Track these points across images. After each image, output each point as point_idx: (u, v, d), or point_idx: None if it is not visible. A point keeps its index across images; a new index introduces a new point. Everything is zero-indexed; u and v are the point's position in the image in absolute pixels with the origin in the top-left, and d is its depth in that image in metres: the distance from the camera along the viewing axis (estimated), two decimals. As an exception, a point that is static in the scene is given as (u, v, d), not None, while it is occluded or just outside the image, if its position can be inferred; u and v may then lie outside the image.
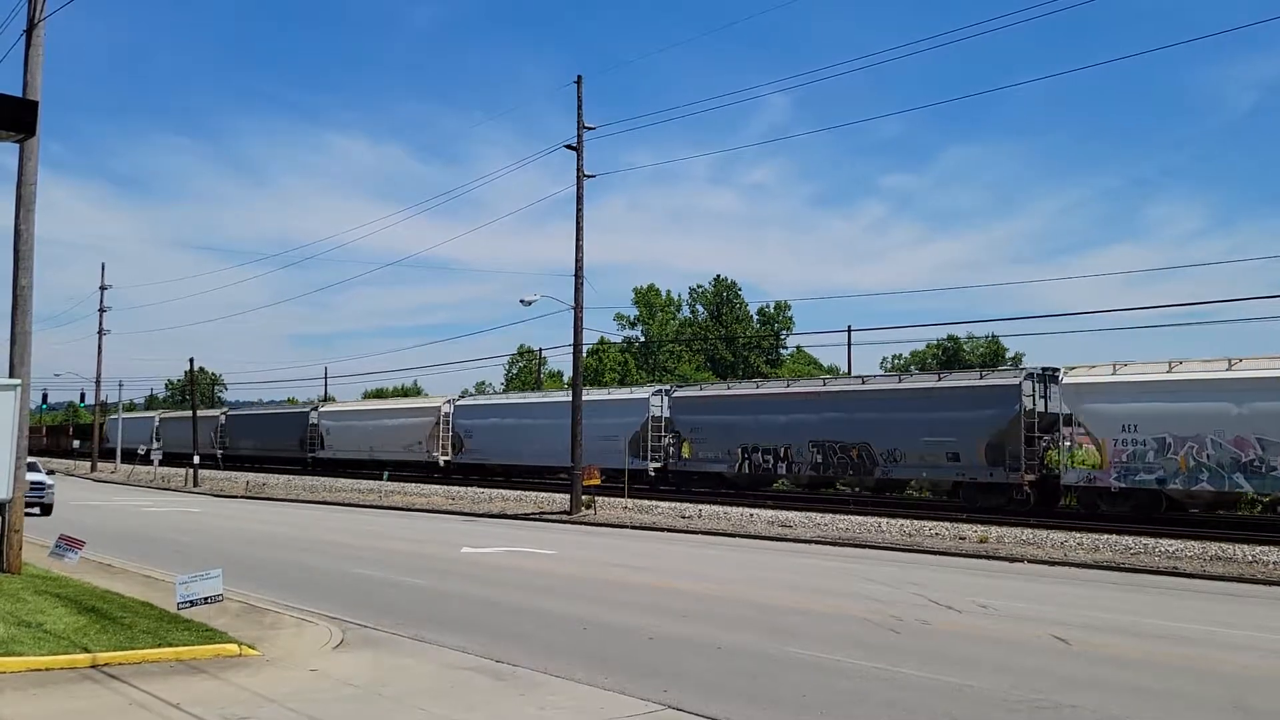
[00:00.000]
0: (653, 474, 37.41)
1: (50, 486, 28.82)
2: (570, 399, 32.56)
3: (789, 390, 34.89)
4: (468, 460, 47.02)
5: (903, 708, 8.47)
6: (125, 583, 14.94)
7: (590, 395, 38.16)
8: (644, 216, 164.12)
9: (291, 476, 51.93)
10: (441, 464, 48.10)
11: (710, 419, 35.68)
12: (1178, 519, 25.98)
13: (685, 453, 36.70)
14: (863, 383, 32.99)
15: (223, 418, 68.15)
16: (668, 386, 40.92)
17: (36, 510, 25.24)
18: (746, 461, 34.35)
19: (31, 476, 22.07)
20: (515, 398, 50.25)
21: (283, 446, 60.27)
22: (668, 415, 37.49)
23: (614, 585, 16.06)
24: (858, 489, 34.09)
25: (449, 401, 49.61)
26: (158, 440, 63.86)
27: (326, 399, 73.96)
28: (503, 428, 44.98)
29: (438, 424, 48.34)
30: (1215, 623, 13.11)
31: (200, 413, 63.76)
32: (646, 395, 39.25)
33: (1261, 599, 15.64)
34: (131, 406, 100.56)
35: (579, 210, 31.40)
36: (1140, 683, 9.44)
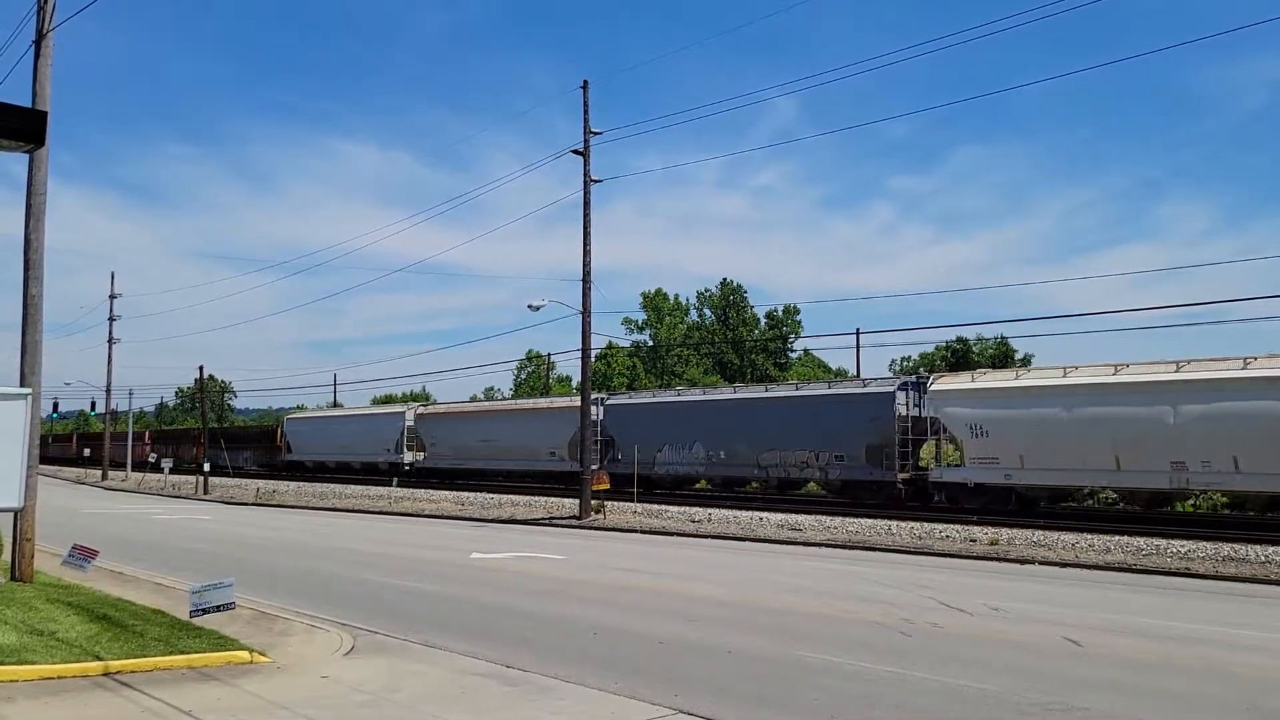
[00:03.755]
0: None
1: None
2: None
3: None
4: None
5: (914, 711, 8.44)
6: (137, 590, 14.98)
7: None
8: (652, 221, 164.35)
9: (300, 484, 51.83)
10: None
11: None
12: (1182, 519, 26.75)
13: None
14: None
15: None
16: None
17: None
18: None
19: None
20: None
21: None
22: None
23: (624, 590, 16.04)
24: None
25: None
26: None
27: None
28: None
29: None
30: (1228, 624, 13.04)
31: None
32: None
33: (1275, 600, 15.55)
34: (142, 415, 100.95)
35: (586, 215, 31.45)
36: (1153, 684, 9.39)
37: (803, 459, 32.89)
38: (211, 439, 68.78)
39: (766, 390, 37.80)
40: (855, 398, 32.18)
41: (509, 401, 51.58)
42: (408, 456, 50.78)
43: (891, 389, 31.01)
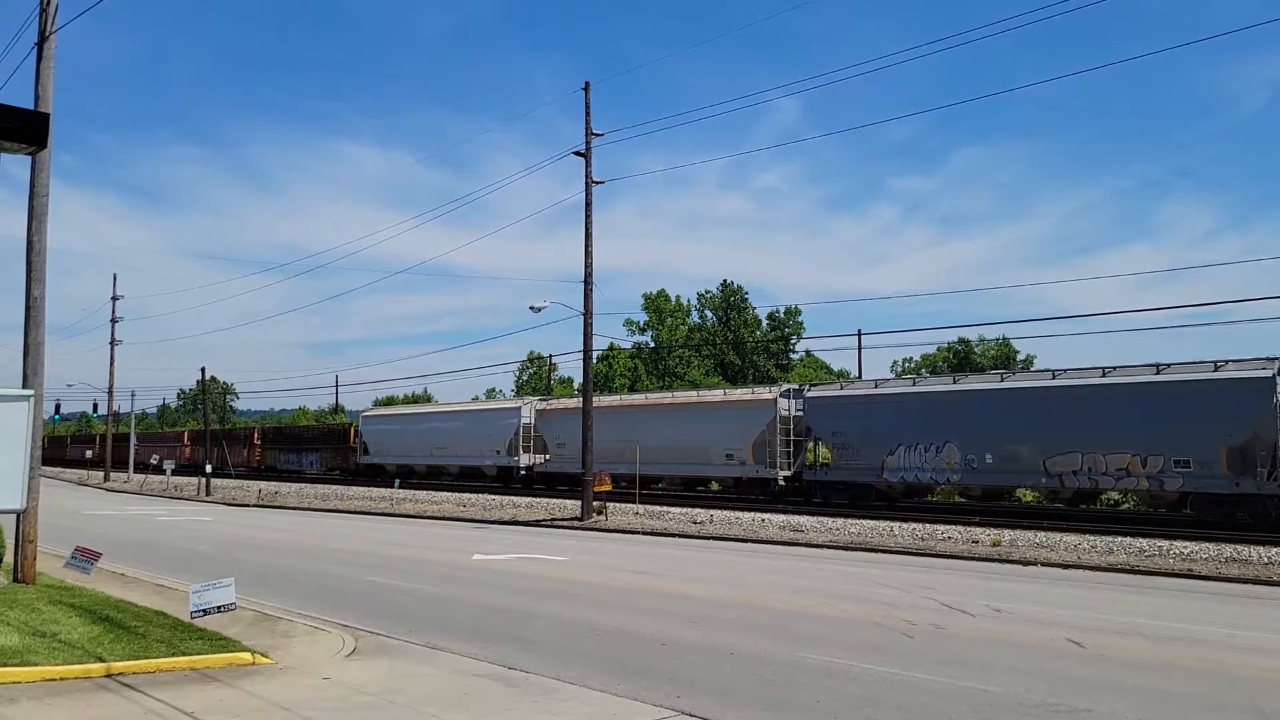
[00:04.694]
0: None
1: None
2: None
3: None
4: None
5: (916, 712, 8.43)
6: (139, 592, 14.99)
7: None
8: (654, 222, 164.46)
9: (302, 485, 51.66)
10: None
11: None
12: (1183, 520, 26.32)
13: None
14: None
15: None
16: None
17: None
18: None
19: None
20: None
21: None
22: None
23: (625, 591, 16.04)
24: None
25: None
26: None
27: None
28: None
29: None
30: (1231, 625, 13.02)
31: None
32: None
33: (1277, 601, 15.52)
34: (144, 417, 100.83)
35: (588, 217, 31.45)
36: (1155, 685, 9.38)
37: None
38: (266, 439, 64.82)
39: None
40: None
41: (671, 394, 41.56)
42: (524, 459, 43.59)
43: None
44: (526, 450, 43.68)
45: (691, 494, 38.68)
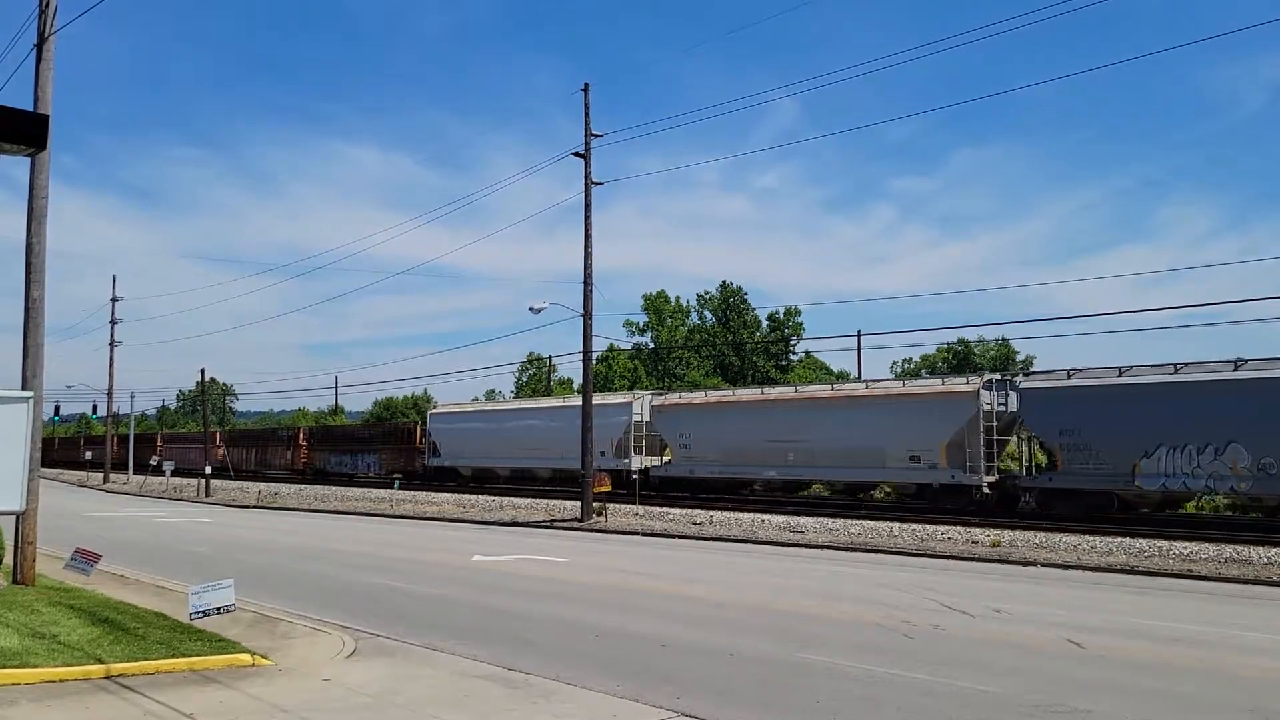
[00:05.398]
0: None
1: None
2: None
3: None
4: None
5: (916, 712, 8.43)
6: (138, 593, 14.98)
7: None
8: (654, 222, 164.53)
9: (303, 486, 51.56)
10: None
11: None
12: (1184, 520, 26.71)
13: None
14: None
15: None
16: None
17: None
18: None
19: None
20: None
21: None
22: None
23: (625, 592, 16.03)
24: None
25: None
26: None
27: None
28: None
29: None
30: (1231, 625, 13.02)
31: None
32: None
33: (1278, 602, 15.52)
34: (143, 418, 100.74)
35: (587, 218, 31.46)
36: (1155, 686, 9.38)
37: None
38: (313, 440, 59.71)
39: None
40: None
41: (831, 387, 35.28)
42: (637, 462, 38.12)
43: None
44: (639, 451, 38.45)
45: (846, 503, 33.89)
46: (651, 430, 38.55)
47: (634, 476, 37.59)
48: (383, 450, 53.54)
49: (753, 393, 36.87)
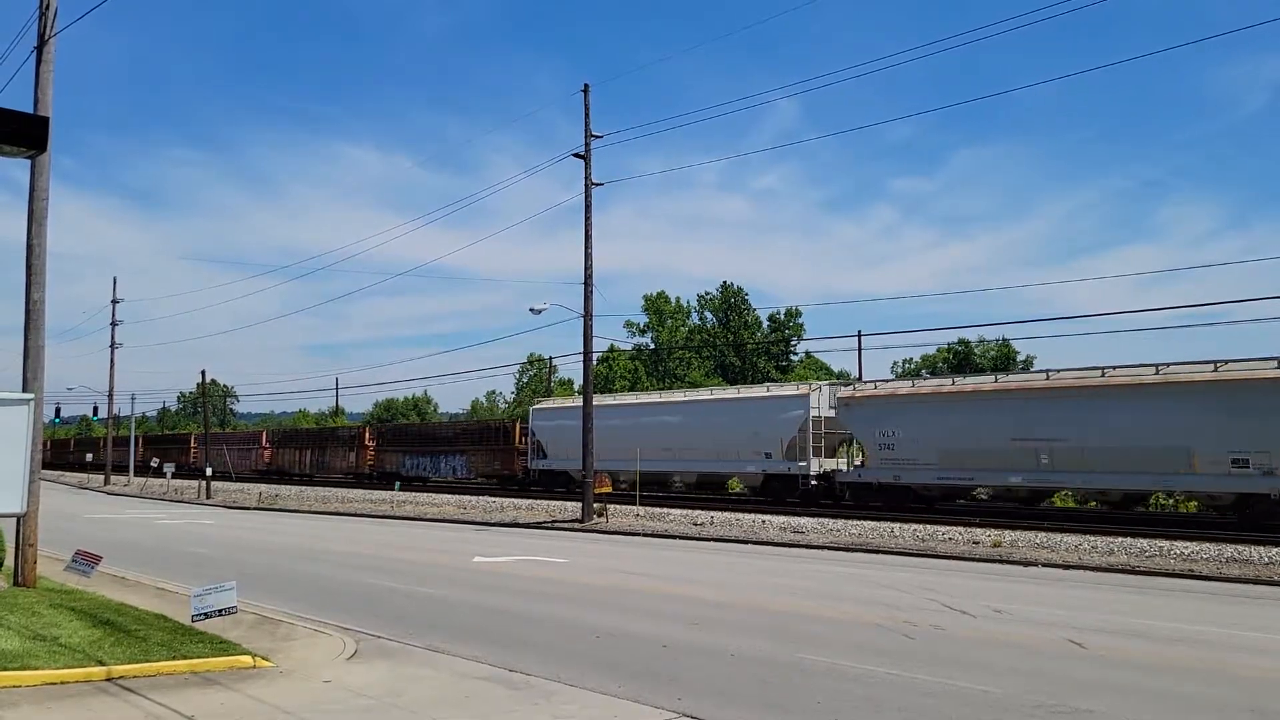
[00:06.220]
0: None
1: None
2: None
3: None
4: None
5: (917, 713, 8.43)
6: (139, 595, 14.98)
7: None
8: (654, 223, 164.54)
9: (303, 487, 51.39)
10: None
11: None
12: (1185, 520, 27.03)
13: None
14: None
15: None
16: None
17: None
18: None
19: None
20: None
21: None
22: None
23: (626, 593, 16.03)
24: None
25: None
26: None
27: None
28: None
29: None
30: (1232, 625, 13.02)
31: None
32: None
33: (1278, 601, 15.51)
34: (144, 420, 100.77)
35: (587, 219, 31.46)
36: (1156, 686, 9.38)
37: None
38: (383, 440, 55.15)
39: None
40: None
41: (1078, 372, 27.06)
42: (815, 465, 32.20)
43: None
44: (817, 453, 32.39)
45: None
46: (833, 427, 32.73)
47: (812, 484, 32.02)
48: (472, 452, 47.94)
49: (983, 380, 29.76)
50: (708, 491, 37.64)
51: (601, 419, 38.06)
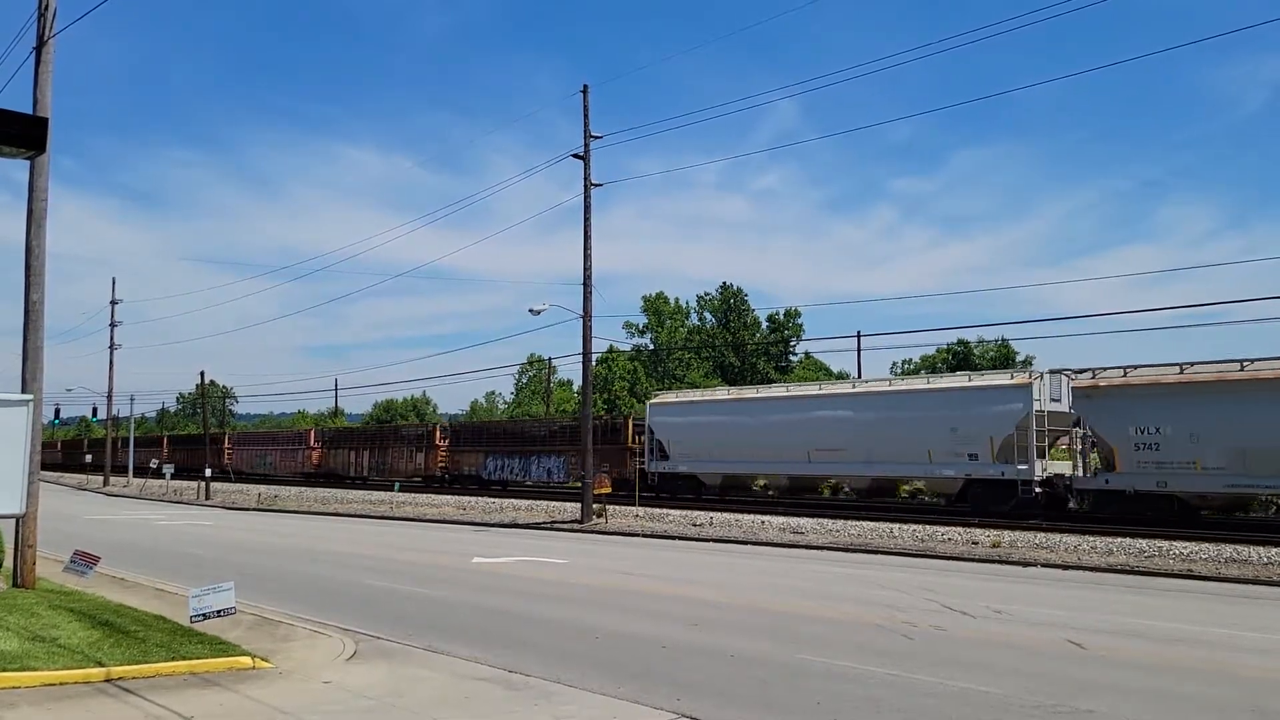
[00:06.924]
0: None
1: None
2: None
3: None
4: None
5: (917, 714, 8.43)
6: (138, 596, 14.97)
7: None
8: (653, 224, 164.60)
9: (302, 489, 51.34)
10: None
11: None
12: (1187, 521, 25.97)
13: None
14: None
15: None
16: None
17: None
18: None
19: None
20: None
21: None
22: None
23: (625, 593, 16.02)
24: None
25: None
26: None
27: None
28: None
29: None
30: (1231, 625, 13.01)
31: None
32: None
33: (1278, 601, 15.51)
34: (143, 420, 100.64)
35: (586, 220, 31.46)
36: (1156, 686, 9.37)
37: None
38: (458, 440, 50.43)
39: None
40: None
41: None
42: (1039, 468, 26.91)
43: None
44: (1041, 455, 27.07)
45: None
46: (1059, 424, 27.75)
47: (1036, 491, 26.69)
48: (572, 452, 41.02)
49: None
50: (880, 496, 32.86)
51: (698, 414, 35.59)
